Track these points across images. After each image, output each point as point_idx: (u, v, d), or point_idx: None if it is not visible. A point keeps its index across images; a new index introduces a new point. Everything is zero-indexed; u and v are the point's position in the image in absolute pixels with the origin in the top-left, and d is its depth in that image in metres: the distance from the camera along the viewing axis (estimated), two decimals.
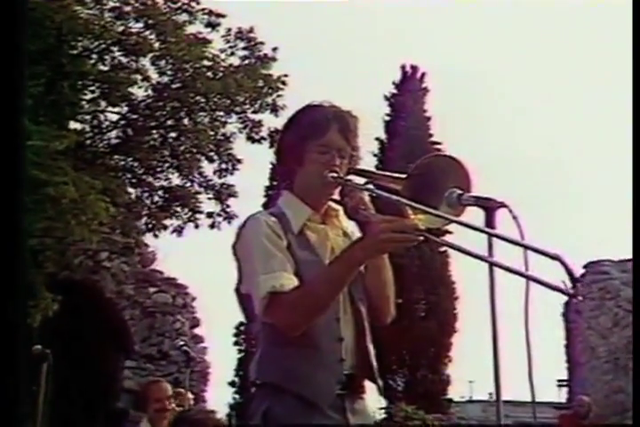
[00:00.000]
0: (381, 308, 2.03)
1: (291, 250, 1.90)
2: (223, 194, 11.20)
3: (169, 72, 10.54)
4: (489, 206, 1.58)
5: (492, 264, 1.55)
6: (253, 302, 1.85)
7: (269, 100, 10.65)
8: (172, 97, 10.68)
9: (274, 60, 10.78)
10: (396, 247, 1.75)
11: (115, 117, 10.95)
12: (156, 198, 11.35)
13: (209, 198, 11.30)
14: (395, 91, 16.76)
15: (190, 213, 11.16)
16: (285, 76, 10.76)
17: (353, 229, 2.03)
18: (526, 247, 1.48)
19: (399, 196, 1.76)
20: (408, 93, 16.44)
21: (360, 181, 2.00)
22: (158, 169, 11.28)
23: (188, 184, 11.35)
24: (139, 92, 10.68)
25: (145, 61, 10.45)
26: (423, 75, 16.79)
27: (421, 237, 1.70)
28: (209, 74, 10.47)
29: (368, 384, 1.99)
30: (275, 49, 10.83)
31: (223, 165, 11.14)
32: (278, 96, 10.61)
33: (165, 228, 11.06)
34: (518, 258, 1.50)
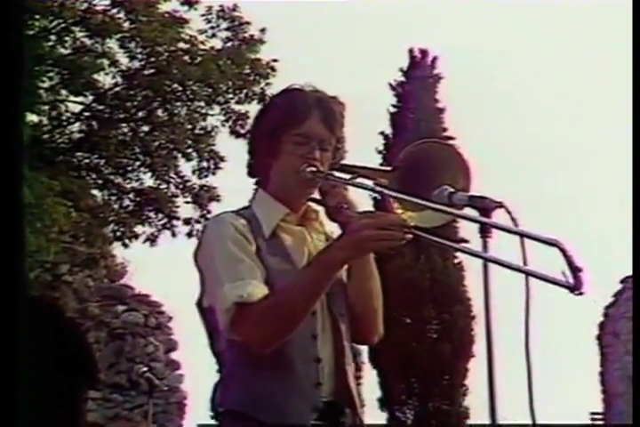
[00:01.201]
0: (366, 325, 2.03)
1: (260, 256, 1.90)
2: (203, 197, 11.18)
3: (140, 56, 10.50)
4: (485, 207, 1.60)
5: (486, 260, 1.57)
6: (217, 316, 1.85)
7: (257, 88, 10.65)
8: (143, 85, 10.65)
9: (262, 42, 10.76)
10: (379, 246, 1.75)
11: (77, 108, 10.94)
12: (126, 202, 11.35)
13: (187, 202, 11.31)
14: (402, 78, 16.67)
15: (165, 220, 11.18)
16: (275, 60, 10.72)
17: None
18: (520, 234, 1.52)
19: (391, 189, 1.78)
20: (417, 81, 16.36)
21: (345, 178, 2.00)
22: (128, 168, 11.28)
23: (163, 186, 11.37)
24: (105, 79, 10.70)
25: (112, 44, 10.43)
26: (434, 60, 16.70)
27: (409, 235, 1.71)
28: (186, 58, 10.44)
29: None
30: (263, 30, 10.80)
31: (204, 164, 11.15)
32: (267, 84, 10.62)
33: (137, 236, 11.05)
34: (516, 258, 1.54)
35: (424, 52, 16.81)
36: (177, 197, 11.36)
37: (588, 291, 1.46)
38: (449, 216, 1.74)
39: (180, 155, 11.20)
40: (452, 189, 1.70)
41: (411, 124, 15.62)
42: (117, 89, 10.82)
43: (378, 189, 1.78)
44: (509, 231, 1.55)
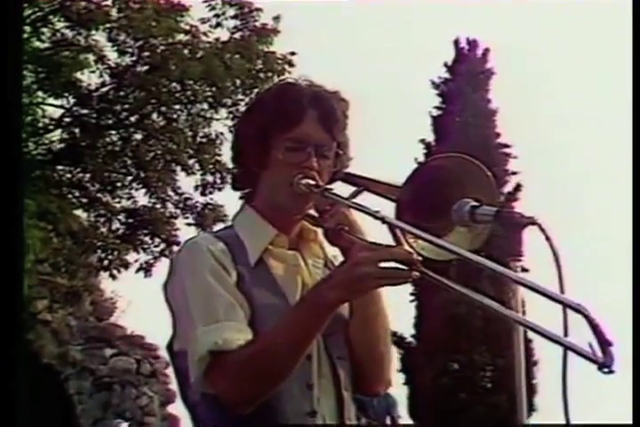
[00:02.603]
0: (372, 372, 2.02)
1: (243, 288, 1.90)
2: (207, 218, 11.14)
3: (131, 50, 10.55)
4: (514, 223, 1.65)
5: (519, 323, 1.66)
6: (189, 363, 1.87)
7: None
8: (135, 84, 10.67)
9: (276, 32, 10.78)
10: (379, 285, 1.77)
11: (57, 113, 10.98)
12: (116, 225, 11.36)
13: (188, 224, 11.32)
14: (446, 75, 16.66)
15: (163, 245, 11.16)
16: (293, 54, 10.76)
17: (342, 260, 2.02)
18: (541, 293, 1.56)
19: (397, 212, 1.78)
20: (464, 78, 16.28)
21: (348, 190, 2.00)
22: (118, 184, 11.29)
23: (160, 205, 11.38)
24: (90, 77, 10.71)
25: (98, 36, 10.48)
26: (486, 52, 16.67)
27: (416, 273, 1.71)
28: (186, 52, 10.45)
29: None
30: (277, 18, 10.82)
31: (208, 178, 11.12)
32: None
33: (128, 265, 11.02)
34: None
35: (472, 43, 16.78)
36: (176, 218, 11.37)
37: None
38: (474, 244, 1.77)
39: (179, 168, 11.20)
40: (475, 203, 1.74)
41: (457, 129, 15.48)
42: (105, 89, 10.84)
43: (379, 215, 1.79)
44: (530, 288, 1.58)
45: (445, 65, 16.71)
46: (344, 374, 1.96)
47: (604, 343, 1.48)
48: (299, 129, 1.94)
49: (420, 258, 1.70)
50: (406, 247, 1.73)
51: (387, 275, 1.72)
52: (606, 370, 1.48)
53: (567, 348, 1.53)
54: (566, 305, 1.53)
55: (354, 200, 1.94)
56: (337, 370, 1.95)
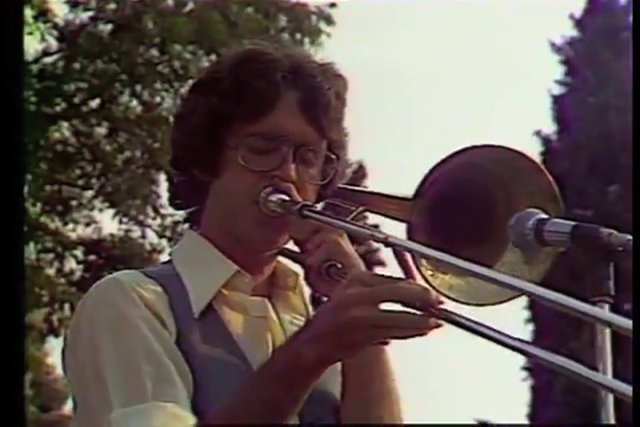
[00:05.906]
0: None
1: (182, 349, 1.96)
2: None
3: (87, 0, 10.66)
4: (601, 246, 1.66)
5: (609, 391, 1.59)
6: None
7: None
8: (95, 52, 10.65)
9: None
10: (380, 338, 1.79)
11: None
12: (70, 264, 11.68)
13: None
14: (574, 32, 16.61)
15: None
16: (333, 5, 10.85)
17: None
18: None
19: (410, 235, 1.82)
20: (600, 37, 16.01)
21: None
22: (72, 202, 11.45)
23: (137, 233, 11.77)
24: (31, 43, 10.75)
25: None
26: None
27: (436, 320, 1.70)
28: (170, 3, 10.56)
29: None
30: None
31: None
32: (317, 47, 10.92)
33: None
34: None
35: None
36: (160, 251, 11.64)
37: None
38: (531, 275, 1.82)
39: (163, 176, 11.26)
40: (544, 215, 1.79)
41: (589, 115, 15.28)
42: (49, 60, 10.94)
43: (380, 236, 1.81)
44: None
45: (572, 18, 16.62)
46: None
47: None
48: (269, 119, 2.02)
49: (441, 297, 1.72)
50: (422, 283, 1.76)
51: (390, 322, 1.73)
52: None
53: None
54: None
55: (346, 220, 2.00)
56: None
